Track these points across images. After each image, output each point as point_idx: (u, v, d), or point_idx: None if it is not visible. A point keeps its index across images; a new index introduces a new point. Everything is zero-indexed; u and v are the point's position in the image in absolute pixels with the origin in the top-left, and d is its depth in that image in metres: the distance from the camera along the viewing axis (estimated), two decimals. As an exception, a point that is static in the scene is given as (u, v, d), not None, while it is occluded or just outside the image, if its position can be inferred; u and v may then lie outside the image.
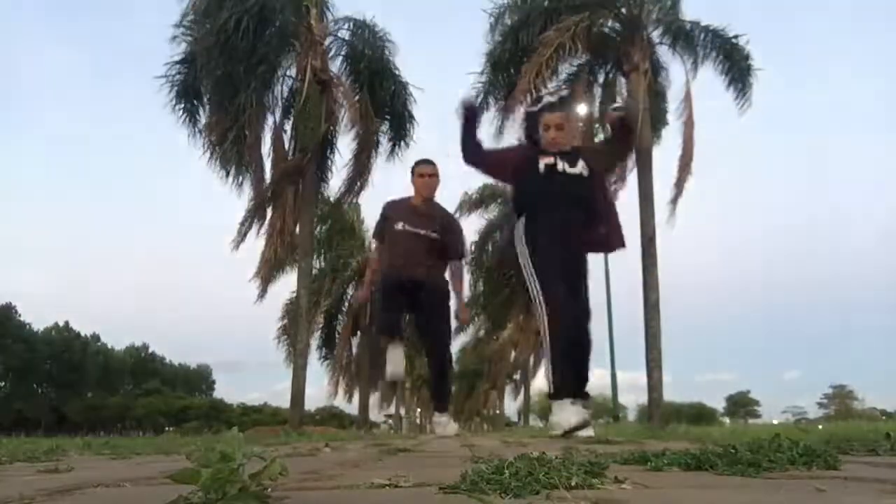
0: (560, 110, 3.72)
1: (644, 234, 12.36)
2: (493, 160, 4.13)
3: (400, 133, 14.15)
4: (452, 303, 4.87)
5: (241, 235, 13.82)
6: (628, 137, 4.19)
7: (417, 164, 5.04)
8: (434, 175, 4.75)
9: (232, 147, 12.84)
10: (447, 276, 4.85)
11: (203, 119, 13.17)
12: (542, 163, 3.71)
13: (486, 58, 13.32)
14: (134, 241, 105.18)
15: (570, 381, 3.54)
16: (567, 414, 3.47)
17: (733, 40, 12.92)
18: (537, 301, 3.56)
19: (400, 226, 4.67)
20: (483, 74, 13.26)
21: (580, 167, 3.73)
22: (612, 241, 3.87)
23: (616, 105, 4.19)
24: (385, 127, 14.17)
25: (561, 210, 3.68)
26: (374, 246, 5.10)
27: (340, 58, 13.94)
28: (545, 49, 12.38)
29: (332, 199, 15.08)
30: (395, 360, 4.63)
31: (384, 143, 14.24)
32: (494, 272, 21.49)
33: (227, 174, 13.17)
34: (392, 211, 4.88)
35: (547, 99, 3.79)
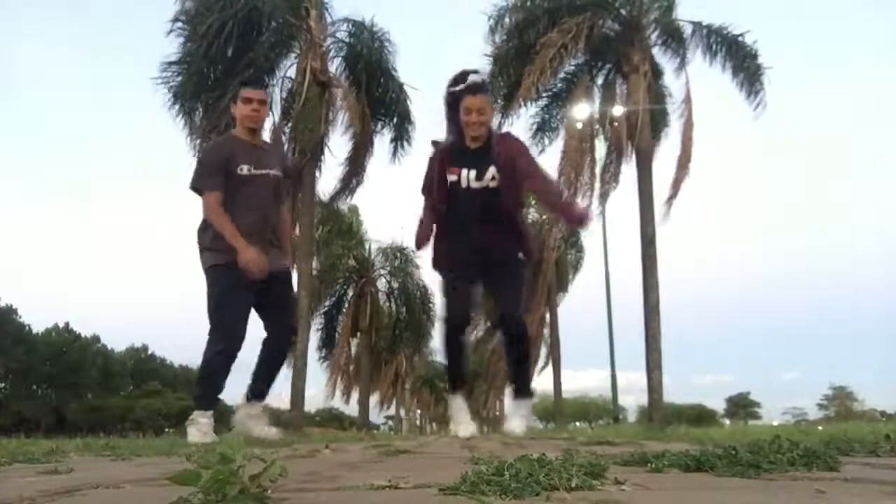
0: (483, 92, 3.35)
1: (644, 235, 12.37)
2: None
3: (401, 133, 14.22)
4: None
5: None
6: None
7: (243, 86, 3.90)
8: (264, 102, 3.77)
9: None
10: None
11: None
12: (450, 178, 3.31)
13: (491, 58, 13.34)
14: (134, 241, 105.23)
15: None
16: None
17: (739, 39, 12.77)
18: None
19: (245, 169, 3.51)
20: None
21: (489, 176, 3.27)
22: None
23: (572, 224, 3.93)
24: (380, 126, 14.28)
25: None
26: (212, 198, 3.54)
27: (339, 59, 14.00)
28: (548, 50, 12.40)
29: (324, 198, 15.38)
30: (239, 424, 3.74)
31: (385, 144, 14.39)
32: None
33: None
34: (228, 150, 3.61)
35: (472, 78, 3.32)
